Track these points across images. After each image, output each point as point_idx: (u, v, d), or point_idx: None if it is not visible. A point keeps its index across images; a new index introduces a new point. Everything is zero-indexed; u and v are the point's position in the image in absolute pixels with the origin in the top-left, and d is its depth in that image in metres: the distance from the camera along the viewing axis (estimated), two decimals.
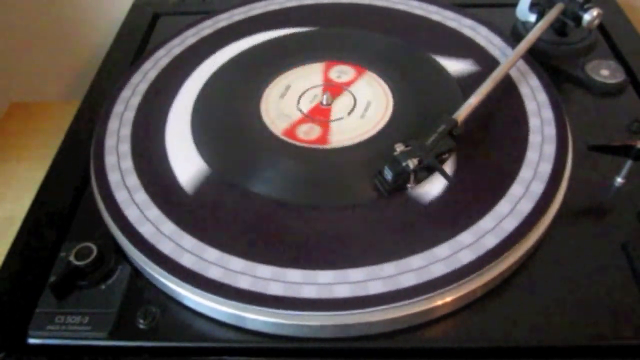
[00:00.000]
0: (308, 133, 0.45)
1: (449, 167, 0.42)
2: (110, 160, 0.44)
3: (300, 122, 0.46)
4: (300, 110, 0.47)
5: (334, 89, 0.49)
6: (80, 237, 0.40)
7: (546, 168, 0.41)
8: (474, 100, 0.43)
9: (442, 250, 0.37)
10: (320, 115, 0.47)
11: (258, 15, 0.59)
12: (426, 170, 0.40)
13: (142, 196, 0.41)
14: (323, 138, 0.45)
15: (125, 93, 0.50)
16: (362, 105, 0.48)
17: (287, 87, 0.50)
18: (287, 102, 0.48)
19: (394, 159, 0.39)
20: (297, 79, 0.51)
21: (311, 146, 0.44)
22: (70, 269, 0.37)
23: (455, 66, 0.51)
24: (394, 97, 0.48)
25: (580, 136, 0.45)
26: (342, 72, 0.51)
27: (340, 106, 0.48)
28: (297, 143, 0.44)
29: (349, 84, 0.50)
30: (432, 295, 0.34)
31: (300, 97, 0.49)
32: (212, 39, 0.56)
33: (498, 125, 0.45)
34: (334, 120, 0.46)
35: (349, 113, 0.47)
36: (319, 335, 0.35)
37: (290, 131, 0.45)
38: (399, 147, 0.40)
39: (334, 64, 0.52)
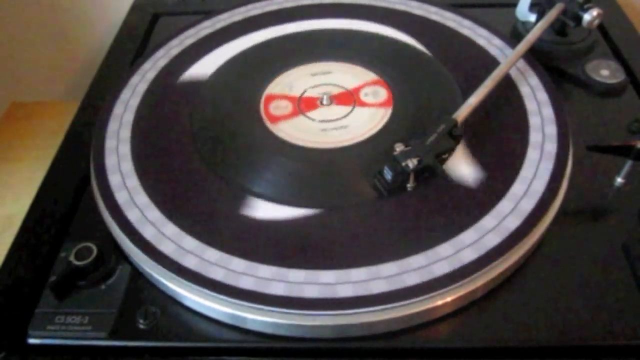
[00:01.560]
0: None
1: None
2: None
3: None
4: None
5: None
6: (80, 237, 0.40)
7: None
8: (474, 100, 0.43)
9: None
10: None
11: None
12: (426, 171, 0.40)
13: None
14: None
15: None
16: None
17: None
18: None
19: (394, 159, 0.39)
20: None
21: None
22: (70, 269, 0.37)
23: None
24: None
25: (580, 136, 0.45)
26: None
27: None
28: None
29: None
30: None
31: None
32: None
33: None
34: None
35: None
36: (319, 336, 0.35)
37: None
38: (399, 147, 0.40)
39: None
